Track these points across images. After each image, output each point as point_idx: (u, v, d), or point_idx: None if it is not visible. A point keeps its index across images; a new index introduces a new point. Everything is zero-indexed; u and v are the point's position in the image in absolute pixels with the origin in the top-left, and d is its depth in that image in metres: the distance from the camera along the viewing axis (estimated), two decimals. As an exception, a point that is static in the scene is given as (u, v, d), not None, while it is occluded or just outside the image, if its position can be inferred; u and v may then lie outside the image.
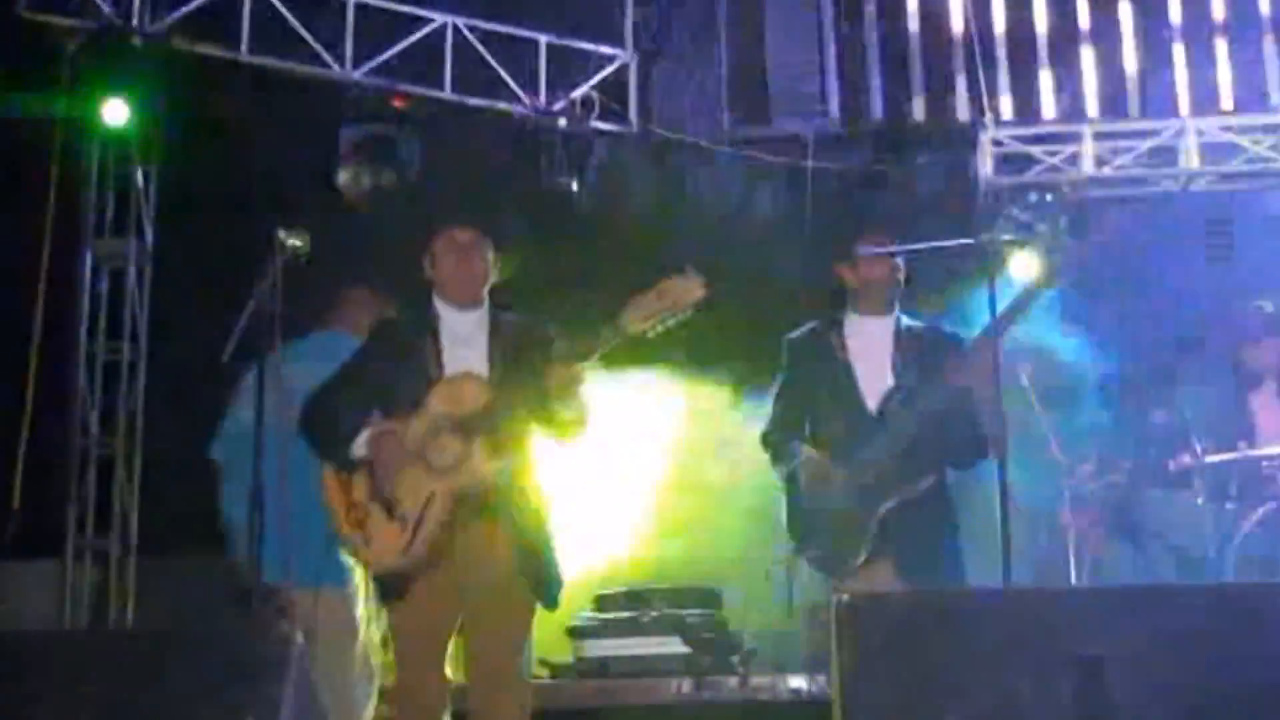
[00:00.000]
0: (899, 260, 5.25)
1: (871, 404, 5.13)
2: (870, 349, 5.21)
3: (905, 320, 5.28)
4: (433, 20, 8.84)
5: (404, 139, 8.60)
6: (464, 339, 4.90)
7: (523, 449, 4.80)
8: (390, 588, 4.80)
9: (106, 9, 8.47)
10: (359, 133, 8.55)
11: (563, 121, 8.78)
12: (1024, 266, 7.23)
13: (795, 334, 5.39)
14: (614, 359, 4.72)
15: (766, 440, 5.35)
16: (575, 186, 8.78)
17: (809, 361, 5.31)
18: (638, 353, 5.05)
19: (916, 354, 5.17)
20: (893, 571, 5.01)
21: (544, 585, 4.82)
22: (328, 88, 8.72)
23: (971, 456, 5.10)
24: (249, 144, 8.44)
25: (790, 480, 5.18)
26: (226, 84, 8.68)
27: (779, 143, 9.18)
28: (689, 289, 4.52)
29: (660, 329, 4.54)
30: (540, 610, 4.86)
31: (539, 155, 8.84)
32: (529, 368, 4.73)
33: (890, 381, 5.13)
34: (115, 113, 8.28)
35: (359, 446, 4.78)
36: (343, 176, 8.56)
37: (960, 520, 5.17)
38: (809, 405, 5.28)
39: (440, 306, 4.96)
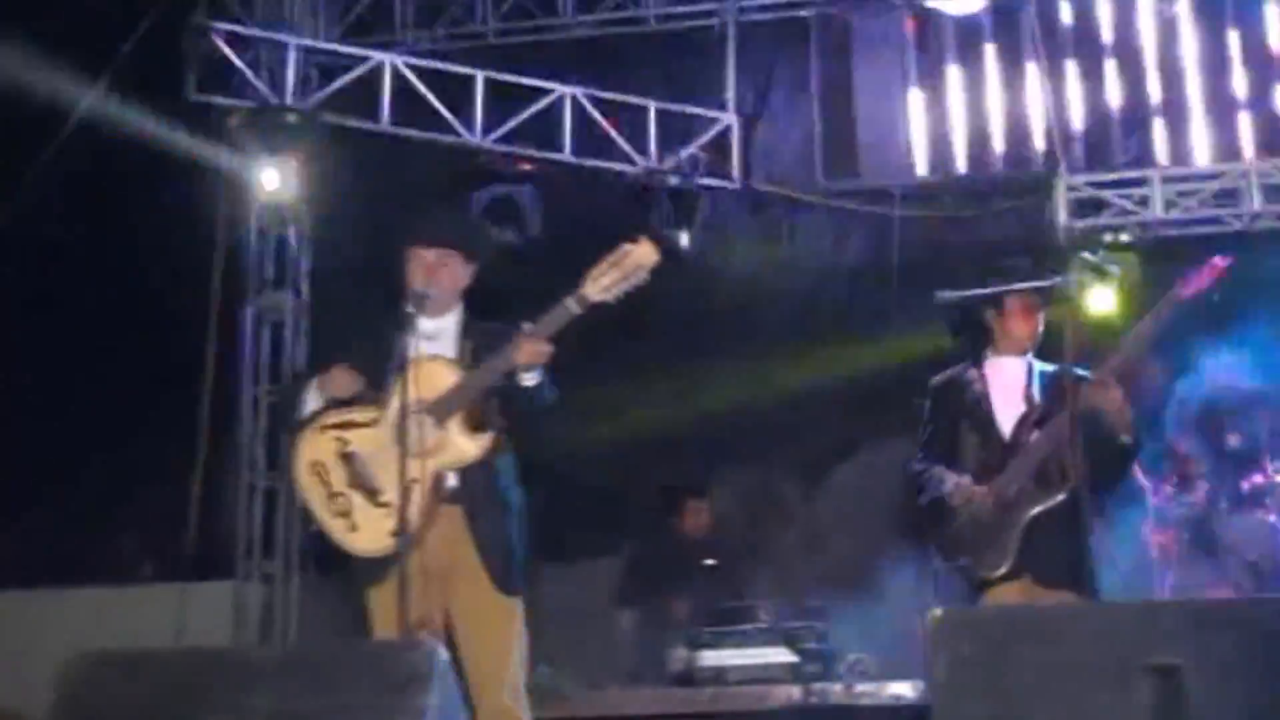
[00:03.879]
0: (1041, 315, 5.33)
1: (1006, 431, 5.22)
2: (1005, 383, 5.31)
3: (1039, 364, 5.36)
4: (553, 91, 8.93)
5: (526, 199, 8.65)
6: (430, 337, 4.59)
7: (495, 430, 4.54)
8: (368, 573, 4.50)
9: (263, 89, 8.67)
10: (487, 194, 8.61)
11: (672, 179, 8.80)
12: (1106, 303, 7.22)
13: (938, 378, 5.47)
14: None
15: (911, 473, 5.40)
16: (685, 239, 8.79)
17: (951, 399, 5.38)
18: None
19: (1047, 390, 5.23)
20: (1031, 581, 5.07)
21: (504, 569, 4.55)
22: (459, 153, 8.82)
23: (1114, 474, 5.21)
24: (389, 206, 8.57)
25: (937, 503, 5.23)
26: (368, 151, 8.84)
27: (868, 195, 9.15)
28: (643, 256, 4.41)
29: (620, 294, 4.40)
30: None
31: (650, 211, 8.85)
32: (502, 354, 4.47)
33: (1022, 410, 5.23)
34: (271, 180, 8.43)
35: (309, 401, 4.60)
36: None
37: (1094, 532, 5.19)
38: (952, 437, 5.34)
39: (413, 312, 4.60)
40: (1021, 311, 5.32)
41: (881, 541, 8.34)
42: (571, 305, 4.43)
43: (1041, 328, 5.37)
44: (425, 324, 4.58)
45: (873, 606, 7.49)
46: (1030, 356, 5.38)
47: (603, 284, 4.41)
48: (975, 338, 5.44)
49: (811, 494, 9.29)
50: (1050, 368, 5.32)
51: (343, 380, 4.56)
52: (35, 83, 7.99)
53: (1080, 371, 5.09)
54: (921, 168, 9.15)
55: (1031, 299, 5.31)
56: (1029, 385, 5.30)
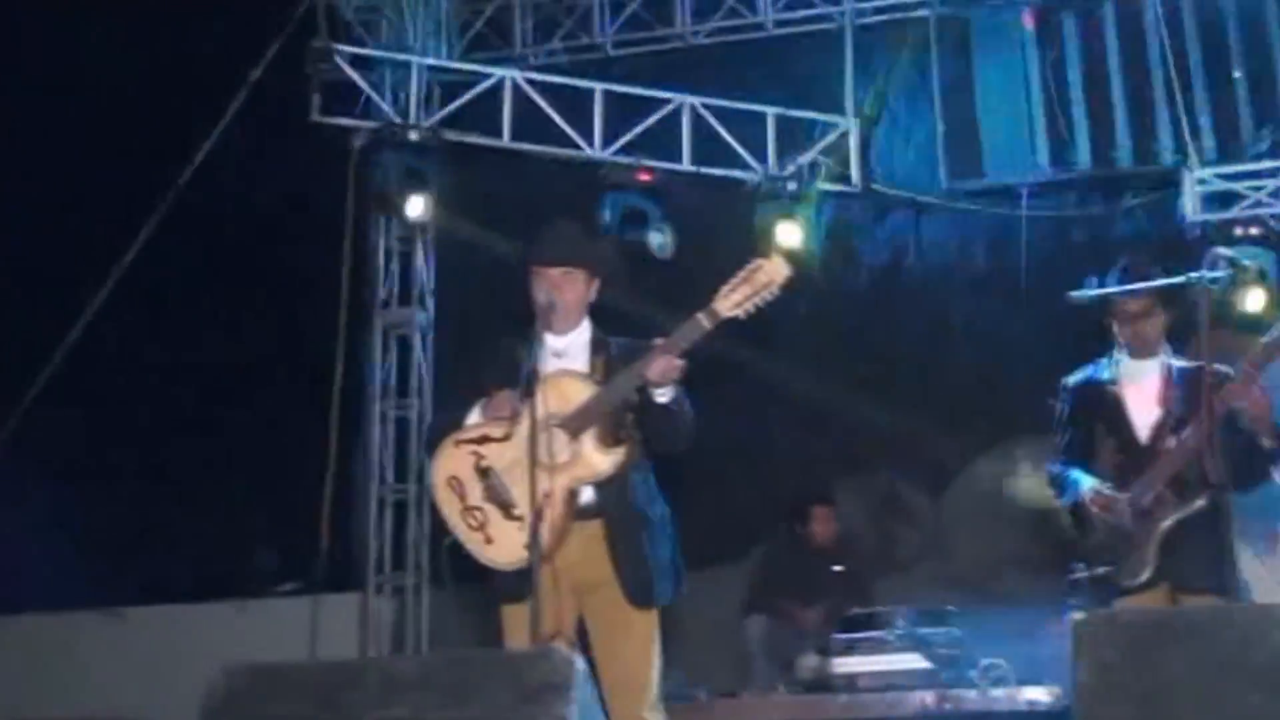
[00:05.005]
0: (1161, 318, 5.26)
1: (1143, 436, 5.17)
2: (1141, 385, 5.25)
3: (1175, 361, 5.28)
4: (671, 101, 8.94)
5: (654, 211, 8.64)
6: (559, 353, 4.66)
7: (628, 445, 4.56)
8: (507, 590, 4.52)
9: (386, 108, 8.79)
10: (618, 206, 8.60)
11: (792, 185, 8.74)
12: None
13: (1073, 378, 5.42)
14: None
15: (1050, 475, 5.39)
16: (803, 243, 8.72)
17: (1086, 401, 5.34)
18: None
19: (1185, 389, 5.13)
20: (1171, 589, 5.03)
21: (639, 583, 4.57)
22: (581, 166, 8.87)
23: (1252, 478, 5.09)
24: (512, 220, 8.63)
25: (1077, 507, 5.20)
26: (491, 168, 8.92)
27: (993, 194, 9.03)
28: (775, 271, 4.42)
29: (751, 309, 4.41)
30: None
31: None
32: (633, 369, 4.49)
33: (1159, 414, 5.15)
34: (416, 208, 8.53)
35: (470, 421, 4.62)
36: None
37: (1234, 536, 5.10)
38: (1088, 440, 5.30)
39: (540, 329, 4.62)
40: (1139, 315, 5.26)
41: (1010, 546, 8.27)
42: (703, 320, 4.45)
43: (1163, 329, 5.29)
44: (553, 341, 4.66)
45: (1003, 611, 7.41)
46: (1166, 356, 5.29)
47: (734, 299, 4.43)
48: (1104, 339, 5.38)
49: (939, 499, 9.21)
50: (1189, 365, 5.22)
51: (508, 404, 4.56)
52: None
53: (1222, 368, 4.99)
54: (1045, 165, 8.98)
55: (1148, 302, 5.24)
56: (1167, 387, 5.21)
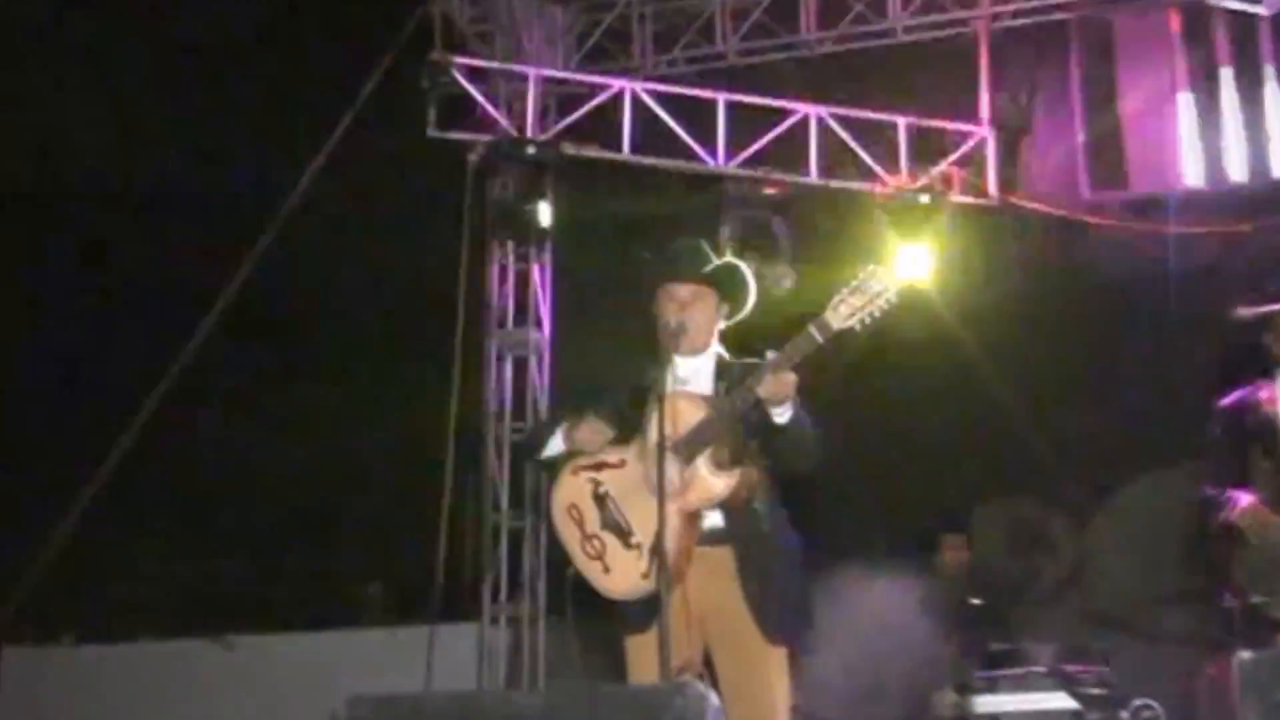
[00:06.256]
0: None
1: None
2: None
3: None
4: (796, 111, 8.75)
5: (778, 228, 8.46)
6: (683, 380, 4.54)
7: (751, 471, 4.45)
8: (632, 621, 4.44)
9: (503, 122, 8.70)
10: (737, 224, 8.42)
11: (925, 198, 8.48)
12: None
13: (1226, 399, 5.32)
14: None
15: (1202, 498, 5.25)
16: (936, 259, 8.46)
17: (1240, 422, 5.22)
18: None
19: None
20: None
21: (771, 617, 4.43)
22: (704, 180, 8.72)
23: None
24: (632, 236, 8.49)
25: (1227, 529, 5.07)
26: (610, 182, 8.80)
27: (1137, 208, 8.70)
28: (886, 280, 4.27)
29: (866, 321, 4.25)
30: None
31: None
32: (743, 387, 4.36)
33: None
34: (536, 222, 8.42)
35: (553, 445, 4.57)
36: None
37: None
38: (1242, 462, 5.18)
39: (666, 351, 4.51)
40: None
41: (1158, 579, 8.02)
42: (814, 333, 4.32)
43: None
44: (680, 364, 4.57)
45: (1149, 648, 7.17)
46: None
47: (844, 311, 4.30)
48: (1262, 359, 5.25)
49: (1080, 529, 8.94)
50: None
51: (591, 434, 4.53)
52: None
53: None
54: (1194, 177, 8.61)
55: None
56: None
